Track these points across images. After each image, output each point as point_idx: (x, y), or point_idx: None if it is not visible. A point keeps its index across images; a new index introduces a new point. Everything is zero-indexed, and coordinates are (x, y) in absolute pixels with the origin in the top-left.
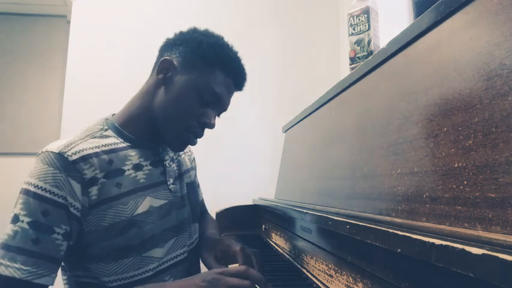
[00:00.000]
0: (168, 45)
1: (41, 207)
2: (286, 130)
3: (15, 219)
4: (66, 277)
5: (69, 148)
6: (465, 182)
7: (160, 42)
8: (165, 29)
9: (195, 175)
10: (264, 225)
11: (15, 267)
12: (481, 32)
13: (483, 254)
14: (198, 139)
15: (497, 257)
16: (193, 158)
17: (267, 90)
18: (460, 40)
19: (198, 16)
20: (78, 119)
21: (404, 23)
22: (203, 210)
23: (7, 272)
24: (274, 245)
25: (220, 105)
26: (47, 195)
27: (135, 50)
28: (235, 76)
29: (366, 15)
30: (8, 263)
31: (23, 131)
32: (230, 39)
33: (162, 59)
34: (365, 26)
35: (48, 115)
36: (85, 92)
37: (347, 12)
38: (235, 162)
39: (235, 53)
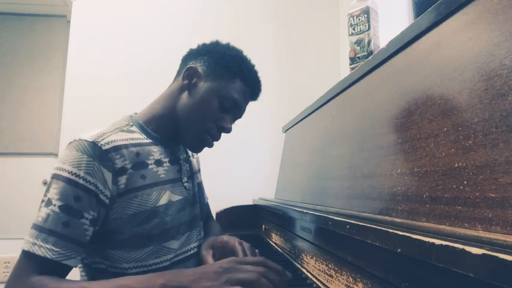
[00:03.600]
0: (192, 55)
1: (73, 192)
2: (286, 130)
3: (49, 202)
4: (81, 264)
5: (102, 138)
6: (465, 182)
7: (160, 42)
8: (165, 29)
9: (201, 178)
10: (264, 225)
11: (47, 248)
12: (481, 32)
13: (483, 254)
14: (214, 142)
15: (497, 257)
16: (199, 162)
17: (267, 90)
18: (460, 40)
19: (198, 17)
20: (78, 119)
21: (404, 23)
22: (209, 216)
23: (40, 252)
24: (274, 245)
25: (237, 111)
26: (80, 181)
27: (135, 50)
28: (253, 86)
29: (366, 15)
30: (41, 243)
31: (23, 131)
32: (230, 39)
33: (188, 66)
34: (365, 26)
35: (48, 115)
36: (85, 92)
37: (347, 12)
38: (235, 162)
39: (253, 66)
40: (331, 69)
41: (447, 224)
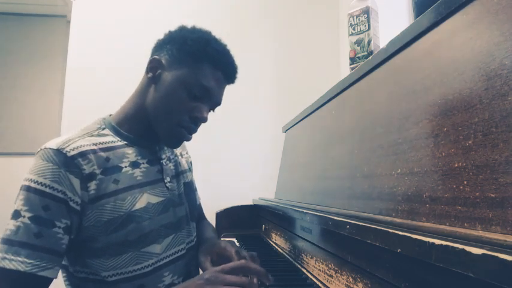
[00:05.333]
0: (158, 45)
1: (41, 202)
2: (286, 130)
3: (17, 214)
4: (65, 274)
5: (67, 144)
6: (465, 182)
7: None
8: (165, 29)
9: (193, 178)
10: (264, 225)
11: (19, 260)
12: (481, 32)
13: (483, 254)
14: (193, 135)
15: (497, 257)
16: (191, 161)
17: (267, 90)
18: (460, 40)
19: (197, 15)
20: (78, 119)
21: (404, 23)
22: (201, 216)
23: (11, 266)
24: (274, 245)
25: (211, 98)
26: (47, 190)
27: (135, 50)
28: (224, 69)
29: (366, 15)
30: (12, 257)
31: (24, 131)
32: (230, 39)
33: (151, 58)
34: (365, 26)
35: (48, 115)
36: (85, 92)
37: (347, 12)
38: (235, 162)
39: (224, 47)
40: (331, 69)
41: (447, 224)
